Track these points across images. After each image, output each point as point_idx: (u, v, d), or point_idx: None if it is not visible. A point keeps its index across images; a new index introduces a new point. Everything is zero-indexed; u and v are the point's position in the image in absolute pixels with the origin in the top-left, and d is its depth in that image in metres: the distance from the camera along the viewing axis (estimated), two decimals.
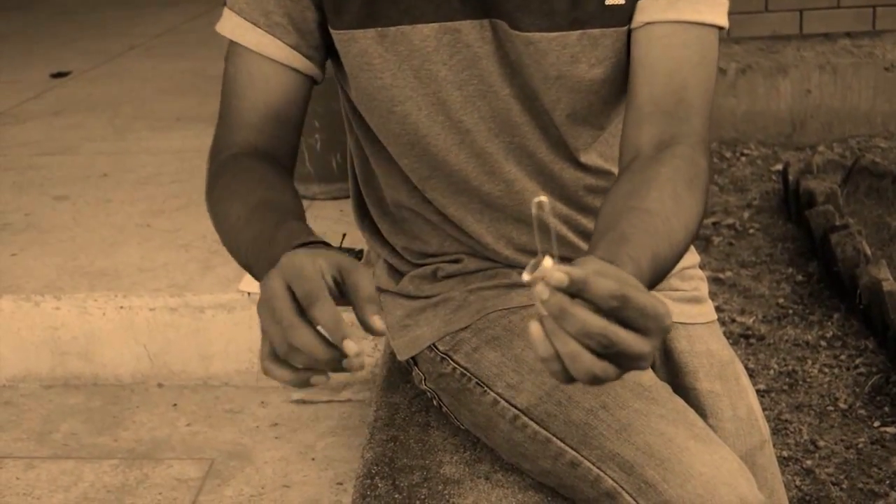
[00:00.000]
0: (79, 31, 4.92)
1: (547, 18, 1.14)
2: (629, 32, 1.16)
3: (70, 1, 5.85)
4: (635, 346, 0.77)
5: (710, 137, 1.14)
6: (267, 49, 1.15)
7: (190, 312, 2.01)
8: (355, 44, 1.15)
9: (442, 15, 1.14)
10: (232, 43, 1.17)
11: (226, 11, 1.17)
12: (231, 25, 1.16)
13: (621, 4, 1.15)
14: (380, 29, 1.14)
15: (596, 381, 0.78)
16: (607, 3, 1.14)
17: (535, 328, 0.76)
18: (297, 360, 0.81)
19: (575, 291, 0.76)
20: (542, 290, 0.75)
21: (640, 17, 1.14)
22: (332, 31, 1.17)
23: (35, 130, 3.28)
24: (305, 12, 1.15)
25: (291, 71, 1.15)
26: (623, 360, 0.78)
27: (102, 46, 4.52)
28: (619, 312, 0.77)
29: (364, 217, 1.38)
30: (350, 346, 0.79)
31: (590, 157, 1.24)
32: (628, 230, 0.93)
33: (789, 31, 3.91)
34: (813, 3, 3.87)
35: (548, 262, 0.77)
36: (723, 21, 1.14)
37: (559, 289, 0.76)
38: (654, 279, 0.93)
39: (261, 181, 1.07)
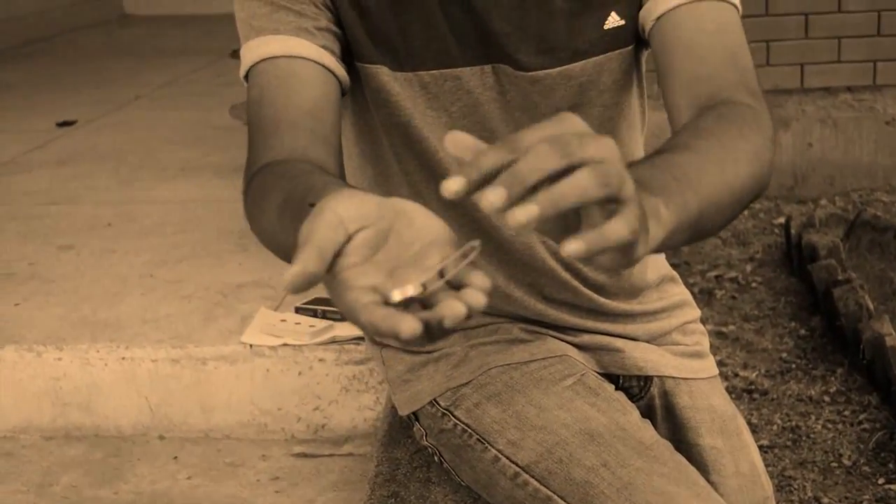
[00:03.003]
0: (84, 80, 4.96)
1: (547, 55, 1.15)
2: (637, 46, 1.17)
3: (75, 51, 5.91)
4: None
5: None
6: (296, 48, 1.08)
7: (192, 364, 2.01)
8: (375, 78, 1.16)
9: (441, 62, 1.15)
10: (253, 68, 1.10)
11: (243, 48, 1.12)
12: (252, 49, 1.10)
13: (622, 25, 1.15)
14: (389, 70, 1.15)
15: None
16: (606, 27, 1.15)
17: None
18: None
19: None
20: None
21: (647, 21, 1.14)
22: (357, 63, 1.16)
23: (40, 180, 3.29)
24: (330, 27, 1.12)
25: (322, 69, 1.09)
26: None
27: (108, 96, 4.55)
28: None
29: None
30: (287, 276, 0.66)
31: None
32: (657, 159, 0.85)
33: (790, 85, 3.94)
34: (814, 57, 3.91)
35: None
36: None
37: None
38: (704, 209, 0.84)
39: (295, 174, 0.92)
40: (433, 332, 0.66)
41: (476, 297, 0.67)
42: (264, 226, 0.95)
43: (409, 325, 0.64)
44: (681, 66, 1.08)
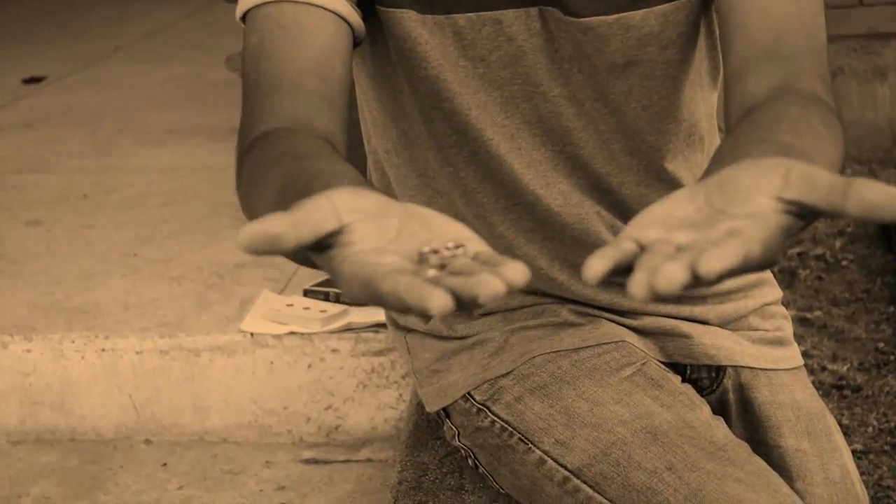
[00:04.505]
0: (56, 30, 4.99)
1: (602, 0, 1.14)
2: None
3: None
4: None
5: None
6: None
7: (183, 356, 2.02)
8: (399, 25, 1.15)
9: (479, 3, 1.15)
10: (253, 11, 1.09)
11: None
12: None
13: None
14: (417, 14, 1.15)
15: None
16: None
17: None
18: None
19: None
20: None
21: None
22: (377, 7, 1.15)
23: (4, 145, 3.32)
24: None
25: (333, 16, 1.08)
26: None
27: (82, 48, 4.58)
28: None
29: None
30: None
31: (675, 164, 1.24)
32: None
33: (888, 29, 3.90)
34: None
35: None
36: None
37: None
38: None
39: (298, 154, 0.94)
40: (464, 308, 0.66)
41: (517, 272, 0.67)
42: (259, 213, 0.95)
43: (440, 298, 0.64)
44: (756, 33, 1.08)
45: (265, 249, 0.69)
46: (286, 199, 0.86)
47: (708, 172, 0.88)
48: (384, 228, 0.73)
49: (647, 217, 0.75)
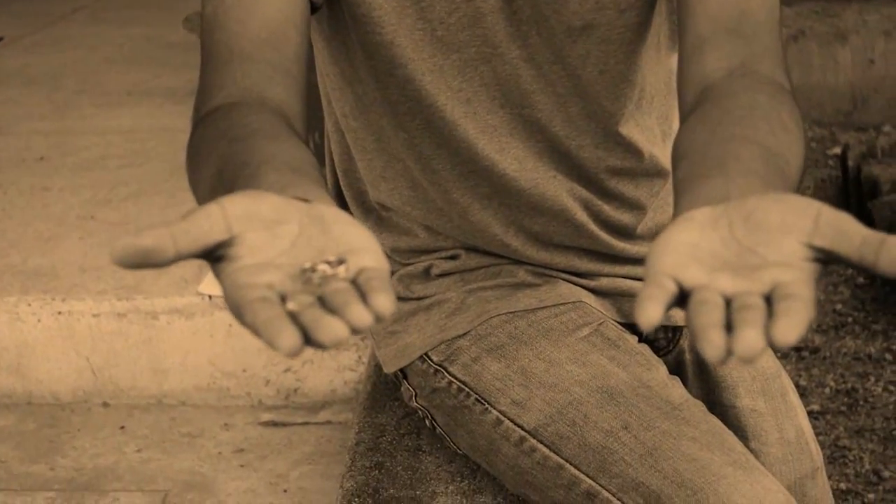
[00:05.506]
0: None
1: None
2: None
3: None
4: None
5: None
6: None
7: (141, 319, 2.01)
8: None
9: None
10: None
11: None
12: None
13: None
14: None
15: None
16: None
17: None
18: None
19: None
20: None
21: None
22: None
23: None
24: None
25: None
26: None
27: (41, 8, 4.54)
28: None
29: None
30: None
31: (628, 128, 1.24)
32: (752, 165, 0.86)
33: None
34: None
35: None
36: None
37: None
38: None
39: (237, 135, 0.94)
40: (313, 346, 0.66)
41: (384, 305, 0.66)
42: (199, 194, 0.95)
43: (289, 338, 0.64)
44: (718, 9, 1.06)
45: (139, 264, 0.68)
46: (220, 184, 0.86)
47: (688, 162, 0.87)
48: (278, 237, 0.72)
49: (674, 247, 0.72)
